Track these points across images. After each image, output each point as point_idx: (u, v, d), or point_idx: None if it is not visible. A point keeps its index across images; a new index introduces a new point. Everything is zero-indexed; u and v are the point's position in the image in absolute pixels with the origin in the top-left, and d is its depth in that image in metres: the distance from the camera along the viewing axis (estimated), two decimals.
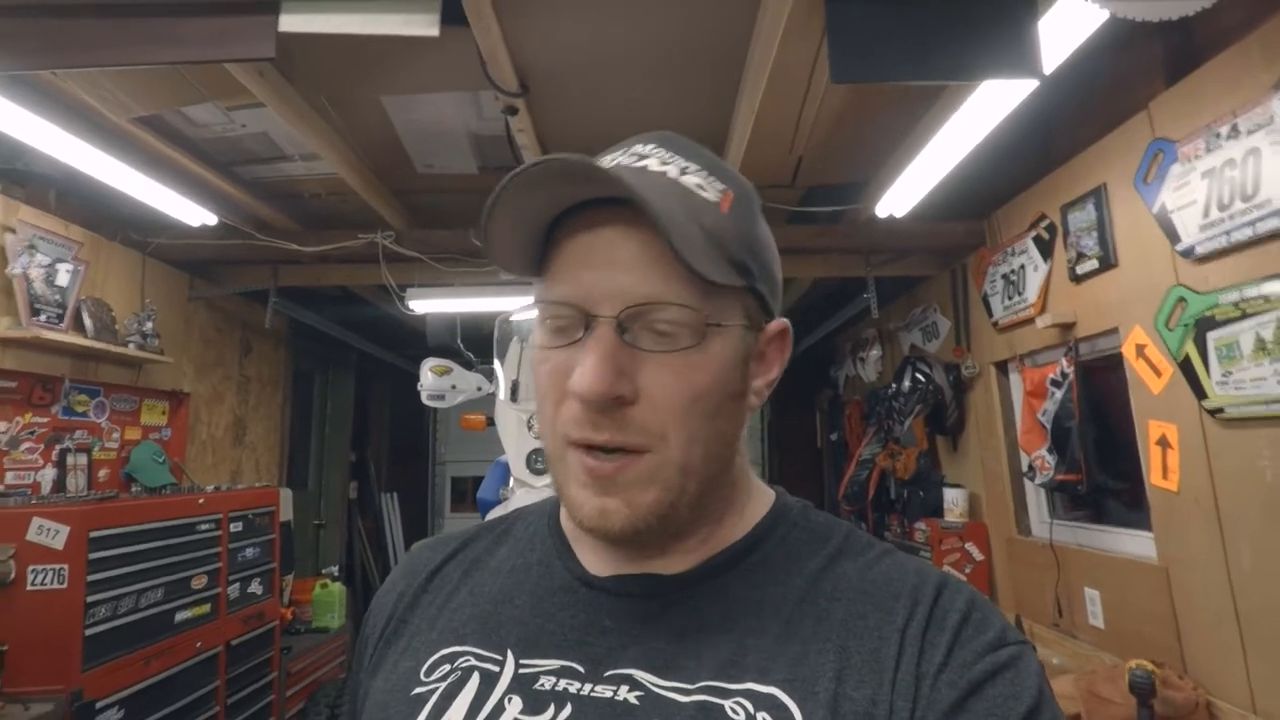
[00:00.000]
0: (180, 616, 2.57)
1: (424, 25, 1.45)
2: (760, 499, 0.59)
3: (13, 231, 2.48)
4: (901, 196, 2.72)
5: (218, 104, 2.32)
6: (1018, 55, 1.48)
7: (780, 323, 0.56)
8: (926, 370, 3.37)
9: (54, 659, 2.11)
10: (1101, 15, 1.48)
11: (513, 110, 2.23)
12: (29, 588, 2.11)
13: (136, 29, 1.34)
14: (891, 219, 2.95)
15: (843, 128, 2.55)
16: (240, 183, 2.87)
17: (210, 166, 2.70)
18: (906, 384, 3.44)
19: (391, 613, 0.61)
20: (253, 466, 4.08)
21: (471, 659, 0.54)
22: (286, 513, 3.66)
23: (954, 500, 3.28)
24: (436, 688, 0.53)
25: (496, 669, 0.52)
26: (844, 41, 1.47)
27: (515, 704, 0.50)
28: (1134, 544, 2.33)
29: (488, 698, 0.50)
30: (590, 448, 0.50)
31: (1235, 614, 1.83)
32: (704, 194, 0.51)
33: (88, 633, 2.17)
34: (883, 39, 1.47)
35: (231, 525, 2.89)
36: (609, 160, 0.54)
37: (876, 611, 0.49)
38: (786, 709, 0.46)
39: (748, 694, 0.47)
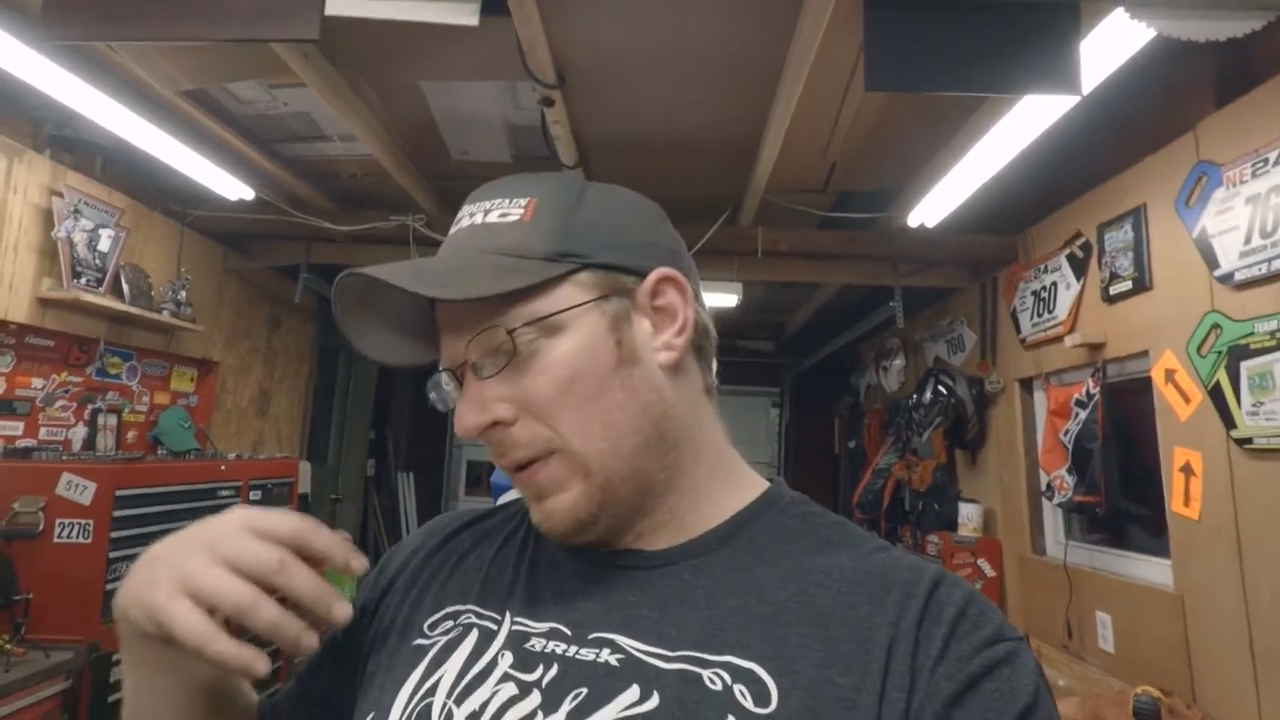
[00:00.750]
0: None
1: (465, 15, 1.47)
2: (749, 484, 0.60)
3: (60, 195, 2.55)
4: (934, 207, 2.70)
5: (262, 82, 2.37)
6: (1057, 71, 1.46)
7: (657, 273, 0.55)
8: (949, 383, 3.34)
9: (76, 610, 2.18)
10: (1148, 34, 1.45)
11: (549, 102, 2.24)
12: (56, 540, 2.19)
13: (185, 5, 1.38)
14: (923, 229, 2.92)
15: (878, 135, 2.53)
16: (279, 160, 2.93)
17: (251, 142, 2.75)
18: (928, 396, 3.41)
19: (404, 565, 0.65)
20: (275, 438, 4.16)
21: (473, 616, 0.57)
22: (305, 485, 3.73)
23: (969, 515, 3.25)
24: (438, 641, 0.56)
25: (495, 627, 0.55)
26: (881, 49, 1.46)
27: (507, 659, 0.52)
28: (1150, 570, 2.30)
29: (484, 652, 0.53)
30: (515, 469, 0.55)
31: (1250, 647, 1.80)
32: (507, 219, 0.55)
33: (109, 587, 2.24)
34: (920, 48, 1.46)
35: (251, 493, 2.96)
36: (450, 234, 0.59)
37: (868, 602, 0.49)
38: (763, 684, 0.46)
39: (727, 666, 0.48)
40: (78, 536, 2.21)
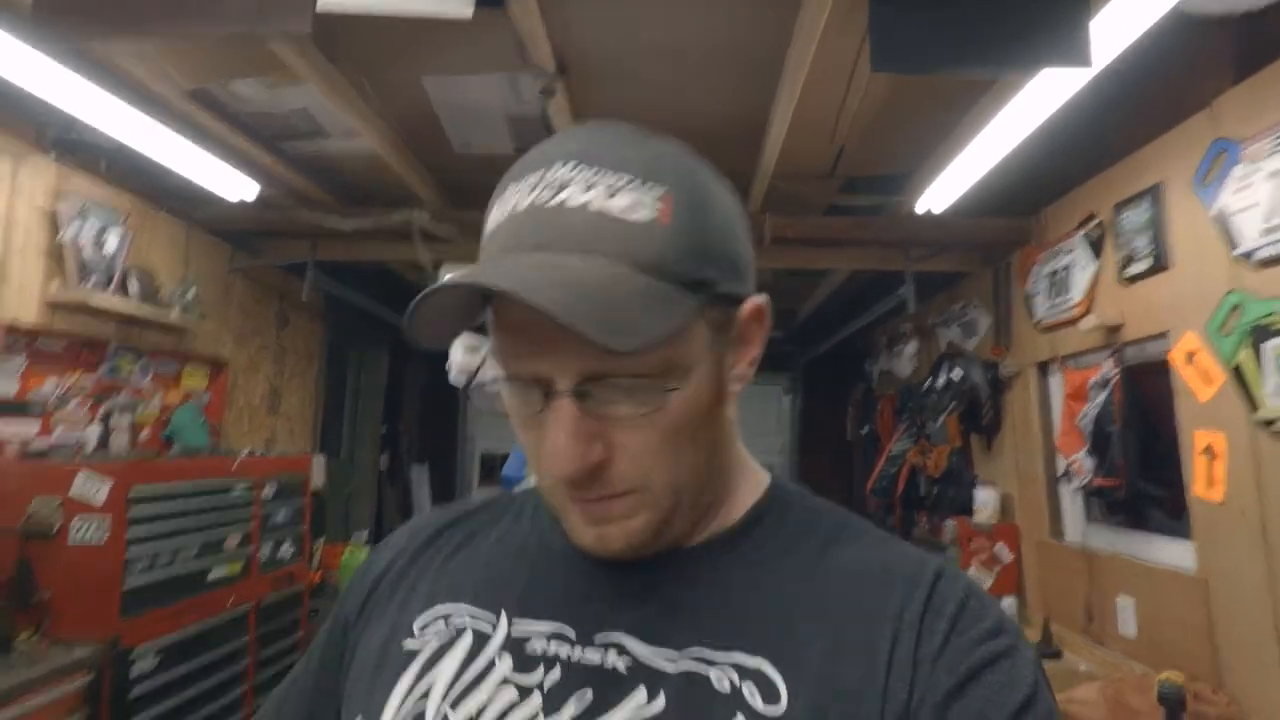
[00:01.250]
0: (214, 574, 2.65)
1: (458, 7, 1.45)
2: (755, 480, 0.59)
3: (65, 198, 2.55)
4: (945, 190, 2.65)
5: (261, 80, 2.35)
6: (1066, 43, 1.41)
7: (755, 304, 0.52)
8: (963, 368, 3.30)
9: (94, 607, 2.19)
10: (1165, 6, 1.41)
11: (550, 92, 2.22)
12: (72, 539, 2.20)
13: (176, 3, 1.36)
14: (932, 213, 2.88)
15: (887, 118, 2.48)
16: (282, 157, 2.92)
17: (253, 140, 2.74)
18: (941, 381, 3.37)
19: (389, 565, 0.63)
20: (287, 434, 4.18)
21: (466, 617, 0.55)
22: (318, 480, 3.75)
23: (985, 500, 3.22)
24: (430, 643, 0.54)
25: (490, 629, 0.53)
26: (886, 29, 1.43)
27: (506, 662, 0.51)
28: (1172, 553, 2.26)
29: (479, 655, 0.52)
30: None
31: (1277, 630, 1.77)
32: (638, 214, 0.45)
33: (126, 584, 2.25)
34: (927, 28, 1.42)
35: (265, 489, 2.97)
36: (526, 188, 0.47)
37: (871, 596, 0.49)
38: (772, 681, 0.46)
39: (734, 665, 0.47)
40: (94, 535, 2.23)
